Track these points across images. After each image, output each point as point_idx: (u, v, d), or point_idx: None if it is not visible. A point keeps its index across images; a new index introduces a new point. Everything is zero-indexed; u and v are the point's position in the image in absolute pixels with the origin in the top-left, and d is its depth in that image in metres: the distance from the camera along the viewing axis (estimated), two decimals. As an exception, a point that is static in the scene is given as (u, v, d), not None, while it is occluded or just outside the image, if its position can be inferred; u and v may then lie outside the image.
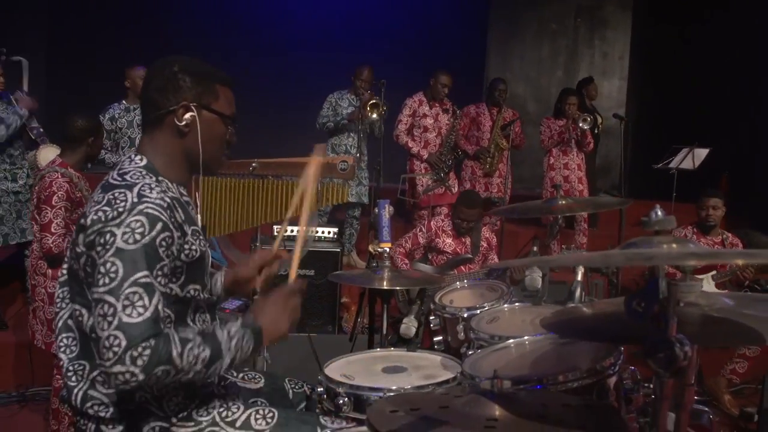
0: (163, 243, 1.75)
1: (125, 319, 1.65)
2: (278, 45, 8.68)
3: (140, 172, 1.86)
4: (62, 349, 1.90)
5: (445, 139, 6.56)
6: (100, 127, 4.11)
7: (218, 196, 3.93)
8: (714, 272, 4.95)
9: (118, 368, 1.63)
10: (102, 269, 1.69)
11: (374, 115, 6.08)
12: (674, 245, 1.36)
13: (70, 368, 1.88)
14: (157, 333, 1.67)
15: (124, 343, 1.64)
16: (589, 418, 1.55)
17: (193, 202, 2.06)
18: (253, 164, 3.73)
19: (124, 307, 1.66)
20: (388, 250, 2.92)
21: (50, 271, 3.84)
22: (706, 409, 3.17)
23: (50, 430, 3.90)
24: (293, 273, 2.09)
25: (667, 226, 1.39)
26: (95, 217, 1.74)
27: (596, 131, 7.27)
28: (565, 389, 1.92)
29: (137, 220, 1.72)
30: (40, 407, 4.41)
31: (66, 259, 1.91)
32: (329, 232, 5.18)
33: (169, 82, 1.91)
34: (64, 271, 1.92)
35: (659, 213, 1.41)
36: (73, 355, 1.88)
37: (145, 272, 1.70)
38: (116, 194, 1.77)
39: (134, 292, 1.67)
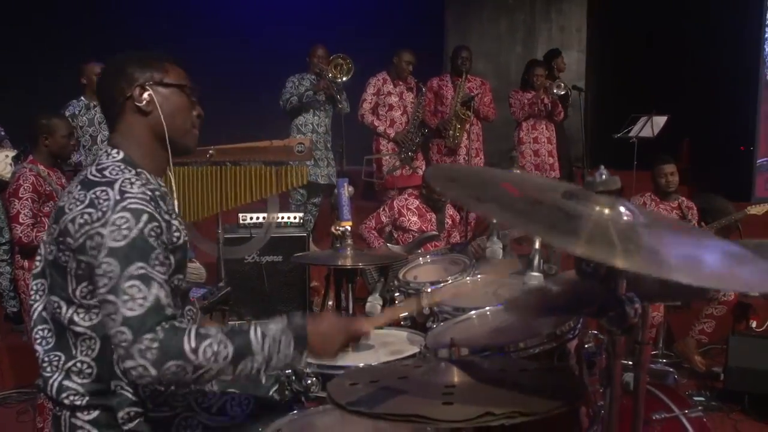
0: (152, 233, 1.75)
1: (127, 313, 1.66)
2: (230, 27, 8.56)
3: (118, 166, 1.86)
4: (38, 341, 1.91)
5: (412, 117, 6.53)
6: (53, 126, 4.09)
7: (177, 186, 3.92)
8: (676, 236, 5.03)
9: (129, 363, 1.64)
10: (99, 271, 1.70)
11: (341, 78, 6.03)
12: (606, 210, 1.38)
13: (45, 359, 1.89)
14: (161, 322, 1.66)
15: (129, 338, 1.64)
16: (547, 380, 1.57)
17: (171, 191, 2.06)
18: (210, 151, 3.72)
19: (124, 302, 1.66)
20: (349, 228, 2.94)
21: (27, 263, 3.95)
22: (671, 369, 3.26)
23: (36, 428, 3.90)
24: (375, 324, 1.97)
25: (611, 186, 1.41)
26: (81, 221, 1.74)
27: (567, 104, 7.27)
28: (525, 355, 1.95)
29: (121, 217, 1.72)
30: (11, 410, 4.38)
31: (40, 252, 1.91)
32: (295, 218, 5.18)
33: (119, 75, 1.94)
34: (38, 264, 1.92)
35: (604, 174, 1.43)
36: (49, 346, 1.89)
37: (139, 263, 1.70)
38: (98, 193, 1.77)
39: (132, 286, 1.67)
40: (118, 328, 1.65)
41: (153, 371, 1.63)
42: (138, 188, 1.79)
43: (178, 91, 1.97)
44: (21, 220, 3.87)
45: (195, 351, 1.65)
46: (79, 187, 1.82)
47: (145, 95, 1.92)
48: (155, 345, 1.63)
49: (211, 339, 1.68)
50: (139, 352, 1.63)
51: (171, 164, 2.01)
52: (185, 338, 1.65)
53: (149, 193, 1.81)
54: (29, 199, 3.89)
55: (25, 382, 4.50)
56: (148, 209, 1.76)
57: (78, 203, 1.77)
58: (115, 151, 1.91)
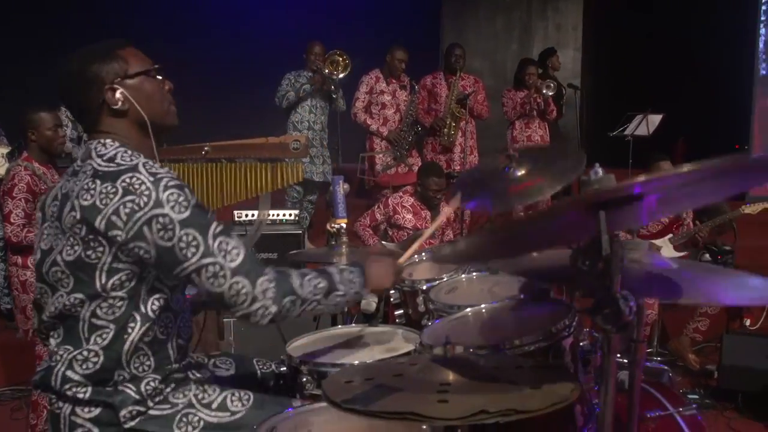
0: (197, 200, 1.86)
1: (233, 265, 1.80)
2: (225, 24, 8.55)
3: (125, 151, 1.88)
4: (52, 334, 1.92)
5: (405, 115, 6.51)
6: (38, 120, 4.07)
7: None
8: (671, 235, 5.04)
9: (255, 305, 1.82)
10: (182, 245, 1.78)
11: (338, 75, 6.03)
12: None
13: (55, 350, 1.90)
14: (263, 267, 1.85)
15: (247, 282, 1.81)
16: (542, 378, 1.57)
17: None
18: (206, 148, 3.70)
19: (224, 257, 1.80)
20: (344, 226, 2.94)
21: (20, 259, 3.93)
22: (666, 367, 3.25)
23: (29, 425, 3.89)
24: (406, 256, 2.30)
25: (606, 183, 1.41)
26: (127, 210, 1.76)
27: (561, 102, 7.30)
28: (521, 353, 1.95)
29: (171, 193, 1.78)
30: (4, 408, 4.37)
31: (55, 252, 1.87)
32: (290, 215, 5.17)
33: (81, 81, 1.91)
34: (49, 264, 1.89)
35: (599, 172, 1.43)
36: (60, 339, 1.90)
37: (214, 223, 1.83)
38: (128, 180, 1.79)
39: (221, 242, 1.81)
40: (232, 281, 1.80)
41: (274, 308, 1.84)
42: (161, 167, 1.86)
43: (145, 77, 1.96)
44: (12, 220, 3.87)
45: (302, 286, 1.89)
46: (98, 181, 1.81)
47: (118, 95, 1.90)
48: (272, 285, 1.83)
49: (309, 275, 1.93)
50: (262, 293, 1.82)
51: (155, 151, 2.00)
52: (292, 277, 1.89)
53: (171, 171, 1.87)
54: (23, 200, 3.88)
55: (18, 379, 4.50)
56: (183, 183, 1.84)
57: (111, 195, 1.78)
58: (109, 140, 1.91)
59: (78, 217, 1.80)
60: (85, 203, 1.80)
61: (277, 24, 8.43)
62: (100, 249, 1.80)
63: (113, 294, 1.83)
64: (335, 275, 1.98)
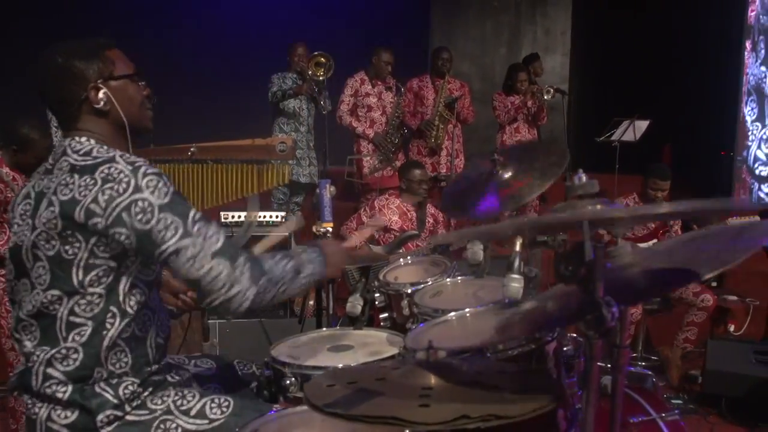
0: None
1: (214, 247, 1.80)
2: (212, 25, 8.52)
3: (100, 146, 1.88)
4: (27, 338, 1.90)
5: (391, 117, 6.50)
6: (31, 143, 3.78)
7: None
8: (655, 241, 5.06)
9: (234, 290, 1.80)
10: (160, 227, 1.77)
11: (320, 76, 6.03)
12: (598, 206, 1.38)
13: (32, 351, 1.89)
14: (239, 250, 1.85)
15: (228, 265, 1.80)
16: (525, 383, 1.57)
17: None
18: (192, 149, 3.69)
19: (205, 240, 1.79)
20: (330, 230, 2.94)
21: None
22: (650, 373, 3.27)
23: (9, 429, 3.84)
24: (355, 240, 2.46)
25: (590, 189, 1.41)
26: (106, 197, 1.76)
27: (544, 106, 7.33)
28: (504, 357, 1.95)
29: (150, 179, 1.79)
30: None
31: (22, 256, 1.87)
32: (277, 217, 5.15)
33: (64, 75, 1.90)
34: (13, 267, 1.90)
35: (582, 178, 1.43)
36: (36, 341, 1.89)
37: (192, 209, 1.83)
38: (107, 170, 1.80)
39: (200, 227, 1.80)
40: (211, 263, 1.79)
41: (253, 289, 1.83)
42: (137, 156, 1.86)
43: (128, 81, 1.97)
44: None
45: (273, 268, 1.90)
46: (76, 175, 1.82)
47: (101, 95, 1.91)
48: (248, 265, 1.83)
49: (277, 256, 1.95)
50: (241, 273, 1.81)
51: (130, 150, 1.99)
52: (262, 259, 1.90)
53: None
54: None
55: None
56: (161, 171, 1.85)
57: (89, 187, 1.78)
58: (84, 138, 1.90)
59: (57, 212, 1.80)
60: (64, 198, 1.80)
61: (265, 25, 8.42)
62: (77, 245, 1.80)
63: (90, 290, 1.83)
64: (298, 257, 2.00)
